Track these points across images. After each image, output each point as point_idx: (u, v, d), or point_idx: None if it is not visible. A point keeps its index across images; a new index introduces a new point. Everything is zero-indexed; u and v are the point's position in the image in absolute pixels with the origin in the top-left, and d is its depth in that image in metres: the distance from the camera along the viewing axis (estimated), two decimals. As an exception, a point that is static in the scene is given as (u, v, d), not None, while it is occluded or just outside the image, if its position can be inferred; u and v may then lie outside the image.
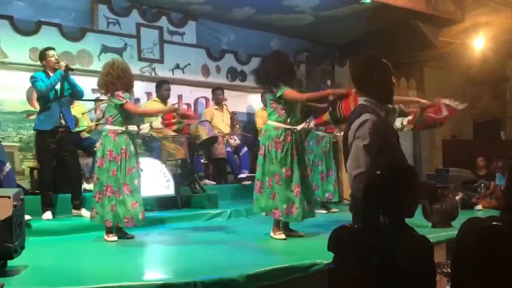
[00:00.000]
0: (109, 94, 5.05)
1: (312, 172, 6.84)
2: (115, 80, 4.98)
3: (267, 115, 5.07)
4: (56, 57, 5.72)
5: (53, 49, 5.85)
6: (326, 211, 6.93)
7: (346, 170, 2.83)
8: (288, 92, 4.75)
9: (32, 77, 5.71)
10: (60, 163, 5.80)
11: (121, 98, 4.96)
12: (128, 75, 5.10)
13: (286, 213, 4.75)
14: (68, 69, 5.64)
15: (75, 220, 5.71)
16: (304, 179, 4.87)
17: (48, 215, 5.61)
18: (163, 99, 7.44)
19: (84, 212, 5.73)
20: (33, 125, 5.99)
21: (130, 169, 4.96)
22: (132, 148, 5.02)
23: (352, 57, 10.21)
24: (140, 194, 5.03)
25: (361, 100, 2.90)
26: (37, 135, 5.82)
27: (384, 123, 2.84)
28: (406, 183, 2.33)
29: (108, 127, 5.03)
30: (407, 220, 2.34)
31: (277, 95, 4.79)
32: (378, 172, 2.35)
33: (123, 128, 4.99)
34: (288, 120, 4.83)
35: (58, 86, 5.66)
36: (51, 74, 5.66)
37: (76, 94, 5.84)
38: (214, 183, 7.77)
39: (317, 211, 6.84)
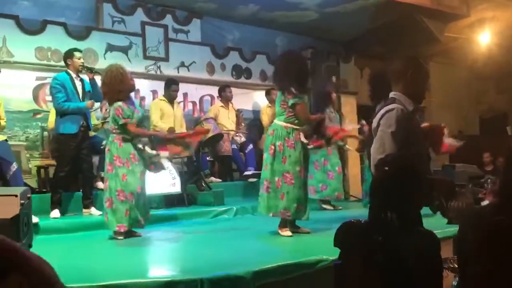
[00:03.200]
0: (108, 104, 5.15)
1: (319, 172, 6.89)
2: (111, 88, 4.98)
3: (275, 113, 5.03)
4: (82, 60, 5.85)
5: (80, 51, 5.99)
6: (332, 208, 6.95)
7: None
8: (300, 109, 4.74)
9: (54, 80, 5.81)
10: (76, 162, 5.86)
11: (120, 116, 4.94)
12: (123, 82, 4.99)
13: (296, 212, 4.76)
14: (91, 71, 5.80)
15: (82, 218, 5.75)
16: (307, 179, 4.90)
17: (56, 213, 5.65)
18: (170, 99, 7.43)
19: (94, 211, 5.80)
20: (42, 126, 5.95)
21: (142, 173, 5.03)
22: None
23: (357, 54, 10.22)
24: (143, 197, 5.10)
25: (391, 94, 3.03)
26: (59, 136, 5.83)
27: (410, 117, 2.94)
28: (411, 180, 2.33)
29: (113, 134, 5.05)
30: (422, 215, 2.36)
31: (289, 103, 4.77)
32: (386, 168, 2.35)
33: (128, 137, 5.00)
34: (296, 121, 4.82)
35: (80, 89, 5.81)
36: (74, 75, 5.81)
37: (97, 96, 5.88)
38: (220, 180, 7.77)
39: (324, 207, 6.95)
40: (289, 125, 4.80)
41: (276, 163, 4.77)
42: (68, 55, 5.90)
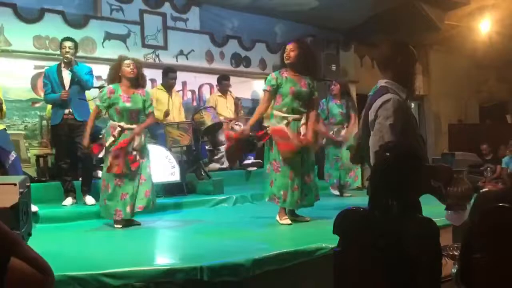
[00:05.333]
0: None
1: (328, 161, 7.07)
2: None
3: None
4: (67, 50, 5.71)
5: (68, 40, 5.81)
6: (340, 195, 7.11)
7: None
8: (264, 93, 4.96)
9: (44, 75, 5.92)
10: (73, 151, 5.78)
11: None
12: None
13: (283, 199, 4.79)
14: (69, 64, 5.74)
15: (82, 207, 5.72)
16: (301, 167, 4.85)
17: (68, 201, 5.69)
18: (169, 87, 7.40)
19: (88, 200, 5.75)
20: (40, 115, 6.42)
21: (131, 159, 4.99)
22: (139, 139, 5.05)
23: (360, 41, 10.18)
24: (152, 181, 5.14)
25: (382, 82, 2.95)
26: (51, 127, 6.02)
27: (405, 105, 2.89)
28: (412, 168, 2.32)
29: (109, 123, 5.09)
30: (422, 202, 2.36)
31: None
32: (388, 154, 2.35)
33: (122, 124, 5.01)
34: (284, 109, 4.84)
35: (68, 79, 5.74)
36: (62, 65, 5.77)
37: (83, 85, 5.81)
38: (219, 165, 7.77)
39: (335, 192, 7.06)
40: (277, 112, 4.87)
41: (267, 151, 4.91)
42: (59, 45, 5.90)
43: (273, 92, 4.86)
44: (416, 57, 3.07)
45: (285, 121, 4.80)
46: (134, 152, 4.94)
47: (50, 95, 5.79)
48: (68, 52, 5.69)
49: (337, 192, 7.15)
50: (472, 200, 2.42)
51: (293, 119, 4.82)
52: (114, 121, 5.00)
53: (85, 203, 5.77)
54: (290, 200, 4.79)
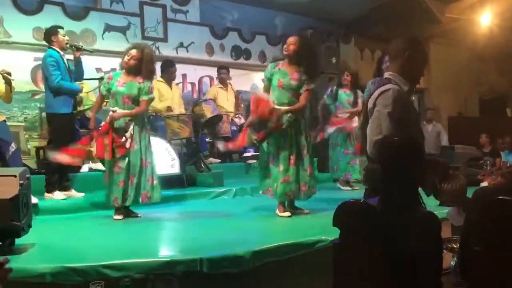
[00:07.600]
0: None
1: (333, 153, 7.05)
2: (147, 67, 5.07)
3: None
4: (67, 38, 5.64)
5: (61, 27, 5.70)
6: (350, 188, 7.06)
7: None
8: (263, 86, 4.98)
9: (49, 57, 5.45)
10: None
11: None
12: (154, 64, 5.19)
13: (275, 191, 4.81)
14: (79, 49, 5.65)
15: (82, 199, 5.72)
16: (297, 159, 4.84)
17: (60, 195, 5.58)
18: (170, 79, 7.40)
19: (76, 193, 5.66)
20: (40, 107, 6.10)
21: (136, 147, 4.99)
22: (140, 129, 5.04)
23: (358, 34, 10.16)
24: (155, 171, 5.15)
25: (386, 74, 2.95)
26: (59, 116, 5.50)
27: (406, 97, 2.89)
28: (416, 158, 2.32)
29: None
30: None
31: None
32: (395, 138, 2.36)
33: (115, 109, 5.00)
34: (275, 101, 4.83)
35: (69, 68, 5.63)
36: (61, 53, 5.56)
37: (80, 76, 5.76)
38: (219, 161, 7.78)
39: (343, 188, 7.01)
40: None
41: (264, 143, 4.89)
42: (52, 32, 5.57)
43: (267, 83, 4.93)
44: (426, 56, 3.08)
45: None
46: (123, 139, 4.91)
47: (67, 83, 5.44)
48: (68, 40, 5.64)
49: (347, 188, 7.07)
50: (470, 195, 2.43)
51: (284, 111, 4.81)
52: (111, 106, 5.03)
53: (69, 197, 5.64)
54: (280, 192, 4.80)
